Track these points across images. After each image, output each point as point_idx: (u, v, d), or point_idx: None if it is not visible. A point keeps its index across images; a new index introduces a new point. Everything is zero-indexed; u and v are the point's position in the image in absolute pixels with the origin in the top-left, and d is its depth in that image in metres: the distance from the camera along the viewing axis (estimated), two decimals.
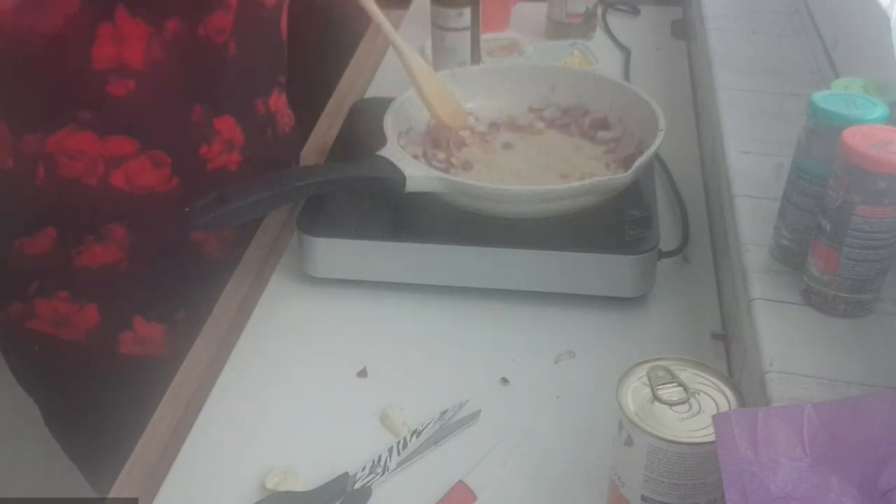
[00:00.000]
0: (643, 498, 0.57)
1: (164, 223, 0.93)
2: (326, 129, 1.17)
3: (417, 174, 0.86)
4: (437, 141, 0.99)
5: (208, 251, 0.99)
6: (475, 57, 1.18)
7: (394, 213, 0.91)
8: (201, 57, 0.88)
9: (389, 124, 0.93)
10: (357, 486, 0.69)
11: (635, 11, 1.52)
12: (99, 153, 0.88)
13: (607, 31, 1.45)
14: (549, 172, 0.95)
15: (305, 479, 0.70)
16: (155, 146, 0.90)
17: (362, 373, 0.81)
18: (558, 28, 1.41)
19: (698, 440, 0.54)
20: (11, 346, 1.01)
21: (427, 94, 0.97)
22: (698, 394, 0.57)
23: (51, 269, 0.93)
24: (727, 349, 0.82)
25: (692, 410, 0.56)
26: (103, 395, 1.00)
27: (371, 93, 1.27)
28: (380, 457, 0.71)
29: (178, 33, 0.85)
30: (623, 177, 0.85)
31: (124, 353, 0.97)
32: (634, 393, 0.57)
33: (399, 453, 0.72)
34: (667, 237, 0.90)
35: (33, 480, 1.26)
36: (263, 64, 0.98)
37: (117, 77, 0.83)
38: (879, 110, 0.66)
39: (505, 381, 0.79)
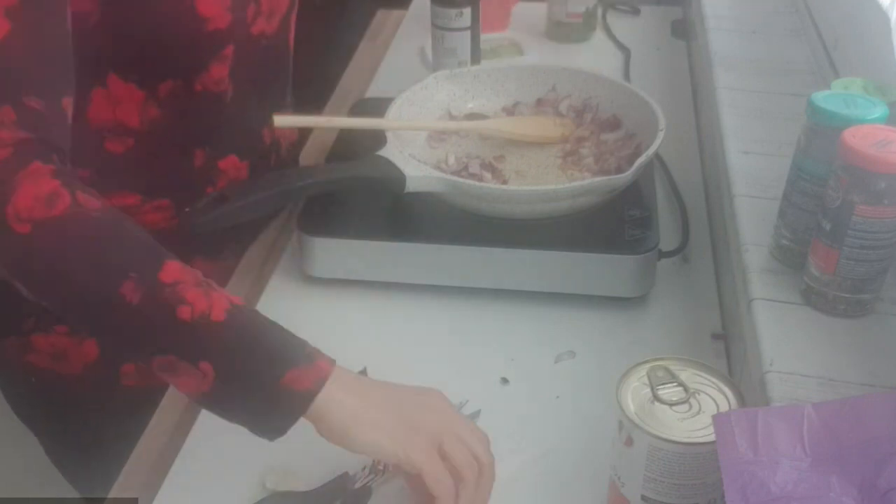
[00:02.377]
0: (643, 498, 0.57)
1: None
2: (326, 129, 1.17)
3: (417, 174, 0.86)
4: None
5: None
6: (475, 57, 1.18)
7: (394, 213, 0.91)
8: (199, 109, 0.85)
9: None
10: (357, 486, 0.69)
11: (635, 11, 1.52)
12: None
13: (607, 31, 1.45)
14: (549, 172, 0.95)
15: (305, 479, 0.70)
16: (158, 196, 0.88)
17: (362, 373, 0.80)
18: (558, 28, 1.41)
19: (698, 440, 0.54)
20: (9, 380, 0.99)
21: (529, 135, 0.99)
22: (698, 394, 0.57)
23: None
24: (727, 349, 0.82)
25: (692, 410, 0.56)
26: (105, 426, 0.97)
27: (371, 93, 1.27)
28: None
29: (173, 92, 0.82)
30: (623, 177, 0.85)
31: (126, 385, 0.94)
32: (634, 393, 0.57)
33: None
34: (667, 237, 0.90)
35: (35, 480, 1.25)
36: (267, 93, 0.95)
37: (115, 135, 0.82)
38: (879, 110, 0.66)
39: (505, 381, 0.79)
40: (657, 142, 0.88)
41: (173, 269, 0.65)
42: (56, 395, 0.97)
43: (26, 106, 0.65)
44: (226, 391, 0.66)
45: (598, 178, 0.87)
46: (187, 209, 0.82)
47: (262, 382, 0.65)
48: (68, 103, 0.69)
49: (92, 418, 0.98)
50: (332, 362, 0.67)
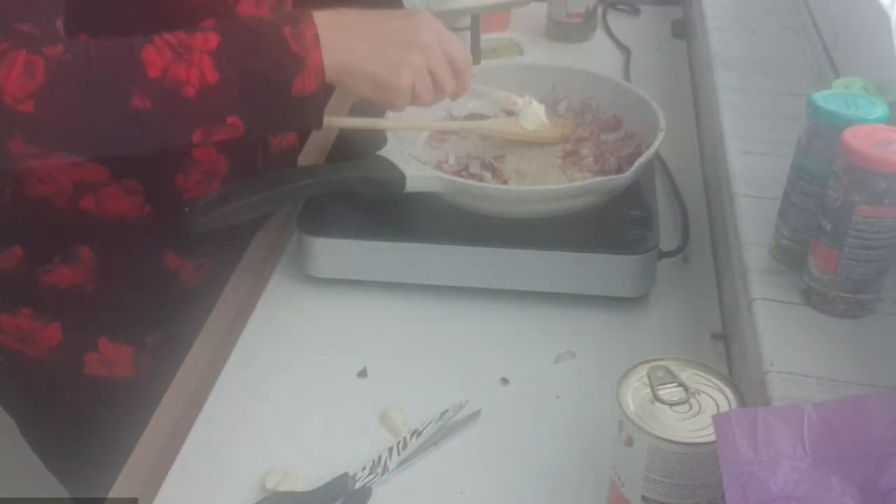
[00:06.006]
0: (643, 498, 0.57)
1: (135, 248, 0.91)
2: (326, 129, 1.17)
3: (417, 174, 0.86)
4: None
5: (185, 277, 0.97)
6: (475, 57, 1.18)
7: (394, 213, 0.91)
8: None
9: None
10: (357, 486, 0.69)
11: (635, 11, 1.52)
12: (69, 178, 0.86)
13: (607, 31, 1.45)
14: (549, 172, 0.95)
15: (305, 479, 0.70)
16: (127, 175, 0.88)
17: (362, 373, 0.81)
18: (558, 28, 1.41)
19: (698, 440, 0.54)
20: None
21: (530, 135, 0.98)
22: (698, 394, 0.57)
23: (15, 286, 0.91)
24: (727, 349, 0.82)
25: (692, 410, 0.56)
26: (69, 413, 0.98)
27: None
28: (380, 457, 0.71)
29: None
30: (623, 177, 0.85)
31: (89, 374, 0.94)
32: (634, 393, 0.57)
33: (399, 453, 0.71)
34: (667, 237, 0.90)
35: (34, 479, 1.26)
36: None
37: None
38: (880, 110, 0.66)
39: (505, 381, 0.79)
40: (657, 142, 0.88)
41: (152, 59, 0.71)
42: (23, 375, 0.97)
43: (18, 31, 0.69)
44: (259, 126, 0.78)
45: (597, 179, 0.87)
46: (186, 209, 0.82)
47: (280, 106, 0.75)
48: (61, 25, 0.73)
49: (58, 402, 0.98)
50: (315, 41, 0.74)
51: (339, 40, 0.75)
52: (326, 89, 0.76)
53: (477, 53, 1.18)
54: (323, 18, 0.75)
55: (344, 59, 0.75)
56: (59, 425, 1.01)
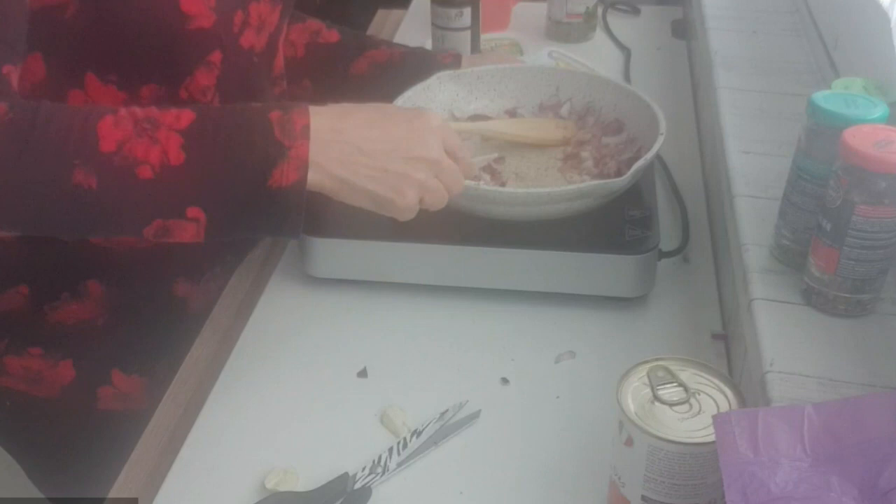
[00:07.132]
0: (643, 498, 0.57)
1: (145, 279, 0.89)
2: None
3: None
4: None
5: (195, 303, 0.93)
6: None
7: None
8: None
9: None
10: (357, 486, 0.69)
11: (635, 11, 1.53)
12: None
13: (607, 31, 1.45)
14: (548, 175, 0.95)
15: (305, 479, 0.70)
16: None
17: (362, 373, 0.81)
18: (558, 28, 1.41)
19: (698, 440, 0.54)
20: None
21: (531, 137, 0.98)
22: (698, 394, 0.57)
23: (22, 326, 0.88)
24: (727, 349, 0.82)
25: (692, 410, 0.56)
26: (82, 452, 0.94)
27: None
28: (380, 457, 0.71)
29: (157, 98, 0.78)
30: (621, 180, 0.85)
31: (103, 410, 0.91)
32: (635, 393, 0.57)
33: (399, 453, 0.72)
34: (667, 237, 0.90)
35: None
36: None
37: None
38: (880, 110, 0.66)
39: (505, 381, 0.79)
40: (656, 146, 0.88)
41: (108, 131, 0.62)
42: (31, 419, 0.93)
43: None
44: (223, 222, 0.66)
45: (594, 182, 0.87)
46: None
47: (251, 197, 0.65)
48: (10, 71, 0.66)
49: (71, 442, 0.95)
50: (305, 132, 0.66)
51: (337, 152, 0.68)
52: (309, 193, 0.68)
53: (477, 53, 1.18)
54: (322, 119, 0.68)
55: (343, 175, 0.69)
56: (72, 466, 0.97)
